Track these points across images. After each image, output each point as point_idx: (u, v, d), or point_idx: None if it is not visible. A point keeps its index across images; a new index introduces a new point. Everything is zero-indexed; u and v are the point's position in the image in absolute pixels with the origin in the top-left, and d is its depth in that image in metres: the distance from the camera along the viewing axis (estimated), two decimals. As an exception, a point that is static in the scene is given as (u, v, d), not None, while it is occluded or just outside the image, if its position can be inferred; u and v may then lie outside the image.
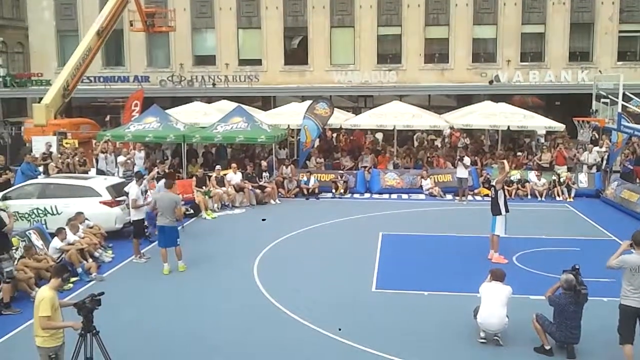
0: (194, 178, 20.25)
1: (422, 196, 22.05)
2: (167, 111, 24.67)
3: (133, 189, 14.38)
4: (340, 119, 26.47)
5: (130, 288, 12.30)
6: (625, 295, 8.39)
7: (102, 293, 7.51)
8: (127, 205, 15.13)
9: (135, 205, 14.17)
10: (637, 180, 21.27)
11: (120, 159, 21.34)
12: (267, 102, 33.75)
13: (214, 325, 10.31)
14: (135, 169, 20.23)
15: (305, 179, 22.22)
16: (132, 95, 28.53)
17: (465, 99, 31.84)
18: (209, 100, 30.51)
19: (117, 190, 16.01)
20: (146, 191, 15.58)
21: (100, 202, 15.64)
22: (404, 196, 22.20)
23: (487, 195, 19.96)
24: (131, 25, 31.91)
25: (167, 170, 18.65)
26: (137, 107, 27.15)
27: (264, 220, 18.02)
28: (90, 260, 13.29)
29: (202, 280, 12.67)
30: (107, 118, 30.67)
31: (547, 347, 9.05)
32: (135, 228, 14.38)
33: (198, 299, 11.57)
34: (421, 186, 22.47)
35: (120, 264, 13.91)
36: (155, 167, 19.21)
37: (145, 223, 14.94)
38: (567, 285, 9.04)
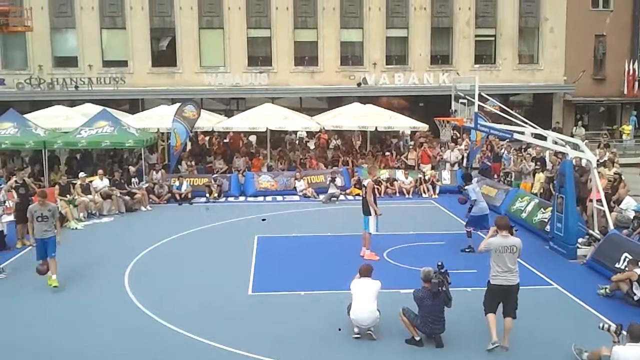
0: (57, 186, 19.14)
1: (296, 197, 22.28)
2: (25, 116, 23.21)
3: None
4: (212, 121, 26.14)
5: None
6: (494, 276, 9.16)
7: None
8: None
9: None
10: (495, 176, 22.78)
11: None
12: (134, 105, 32.66)
13: (84, 340, 9.77)
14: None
15: (177, 183, 21.70)
16: (-15, 100, 26.57)
17: (335, 101, 32.61)
18: (72, 103, 29.06)
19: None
20: (4, 201, 14.78)
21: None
22: (279, 198, 22.33)
23: (358, 194, 20.54)
24: (-18, 24, 29.65)
25: (26, 179, 17.47)
26: (-9, 113, 25.24)
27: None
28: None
29: (69, 293, 11.97)
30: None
31: (417, 338, 9.43)
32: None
33: (65, 313, 10.94)
34: (295, 187, 22.71)
35: (-25, 281, 12.84)
36: (13, 176, 17.97)
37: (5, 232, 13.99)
38: (423, 277, 9.47)
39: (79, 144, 21.40)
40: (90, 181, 19.76)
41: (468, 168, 23.84)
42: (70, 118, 24.73)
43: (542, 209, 16.62)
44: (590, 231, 14.48)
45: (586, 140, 21.62)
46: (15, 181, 16.52)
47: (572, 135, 28.89)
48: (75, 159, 23.79)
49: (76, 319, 10.73)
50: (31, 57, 32.82)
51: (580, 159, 16.37)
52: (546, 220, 15.87)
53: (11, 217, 14.96)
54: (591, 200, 15.22)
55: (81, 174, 19.98)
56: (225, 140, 28.21)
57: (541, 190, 19.37)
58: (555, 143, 15.61)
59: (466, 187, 15.19)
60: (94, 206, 19.24)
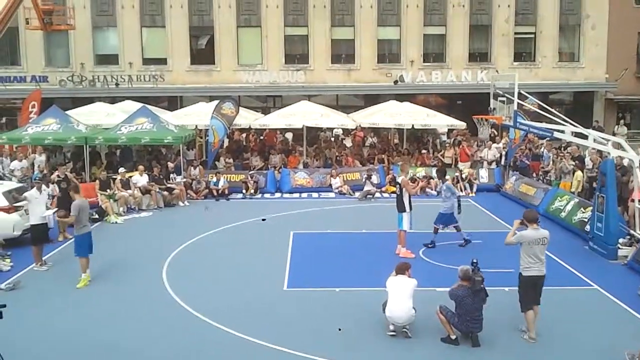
0: (97, 181, 19.55)
1: (331, 194, 22.31)
2: (67, 112, 23.73)
3: (31, 191, 13.97)
4: (249, 119, 26.37)
5: (31, 298, 11.67)
6: (526, 267, 9.36)
7: (4, 305, 7.03)
8: (26, 211, 14.45)
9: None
10: (534, 175, 22.44)
11: (14, 164, 20.38)
12: (173, 102, 33.12)
13: (124, 332, 9.98)
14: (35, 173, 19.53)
15: (214, 179, 21.95)
16: (29, 96, 27.21)
17: (371, 99, 32.47)
18: (112, 100, 29.57)
19: (15, 196, 15.21)
20: (54, 196, 15.10)
21: (-5, 209, 14.79)
22: (314, 195, 22.38)
23: (393, 192, 20.42)
24: (27, 22, 30.19)
25: (67, 174, 17.88)
26: (34, 109, 25.87)
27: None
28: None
29: (108, 286, 12.23)
30: (3, 120, 29.11)
31: (453, 337, 9.37)
32: (33, 233, 13.68)
33: (106, 306, 11.17)
34: (330, 185, 22.74)
35: (19, 272, 13.13)
36: (56, 171, 18.44)
37: (50, 226, 14.33)
38: (462, 275, 9.43)
39: (119, 140, 21.80)
40: (130, 176, 20.12)
41: (506, 166, 23.57)
42: (110, 115, 25.22)
43: (582, 209, 16.33)
44: (632, 231, 14.18)
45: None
46: (58, 175, 16.94)
47: (614, 134, 28.24)
48: (115, 154, 24.23)
49: (115, 311, 10.95)
50: (73, 55, 33.47)
51: (622, 158, 16.02)
52: (586, 220, 15.60)
53: (57, 211, 15.31)
54: (633, 200, 14.88)
55: (121, 170, 20.39)
56: (261, 137, 28.40)
57: (579, 189, 19.01)
58: (595, 142, 15.32)
59: (444, 185, 15.30)
60: (133, 201, 19.59)
